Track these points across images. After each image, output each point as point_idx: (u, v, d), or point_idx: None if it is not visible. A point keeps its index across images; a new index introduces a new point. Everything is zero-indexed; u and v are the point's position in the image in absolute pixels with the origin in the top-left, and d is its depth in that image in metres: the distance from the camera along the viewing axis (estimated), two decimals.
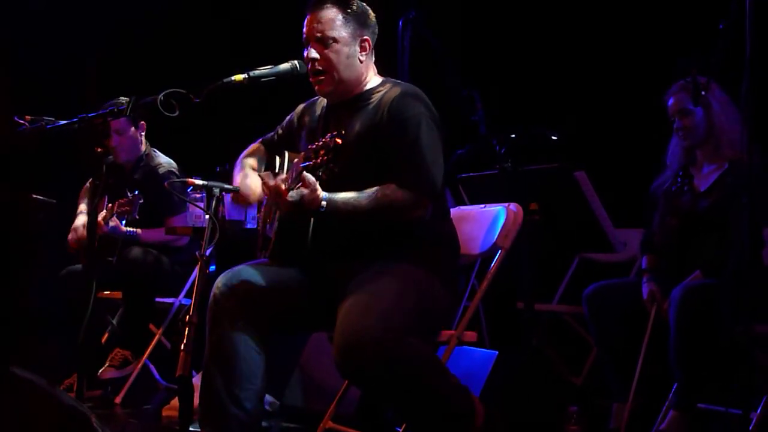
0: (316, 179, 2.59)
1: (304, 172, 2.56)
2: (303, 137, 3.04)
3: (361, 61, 2.89)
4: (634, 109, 4.69)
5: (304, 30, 2.90)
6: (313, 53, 2.86)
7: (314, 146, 2.54)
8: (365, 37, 2.89)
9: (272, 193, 2.64)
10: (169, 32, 6.19)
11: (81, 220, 4.66)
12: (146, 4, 5.99)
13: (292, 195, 2.59)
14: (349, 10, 2.87)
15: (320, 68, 2.86)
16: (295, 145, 3.07)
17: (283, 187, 2.60)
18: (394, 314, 2.61)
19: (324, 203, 2.63)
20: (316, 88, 2.91)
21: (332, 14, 2.85)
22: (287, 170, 2.70)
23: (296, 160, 2.65)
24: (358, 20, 2.88)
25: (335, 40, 2.84)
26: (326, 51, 2.85)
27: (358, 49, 2.88)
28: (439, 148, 2.83)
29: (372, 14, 2.95)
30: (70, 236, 4.60)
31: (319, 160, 2.50)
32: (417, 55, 3.82)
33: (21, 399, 1.30)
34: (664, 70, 3.65)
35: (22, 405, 1.30)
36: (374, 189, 2.71)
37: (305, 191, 2.58)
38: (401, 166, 2.75)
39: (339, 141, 2.48)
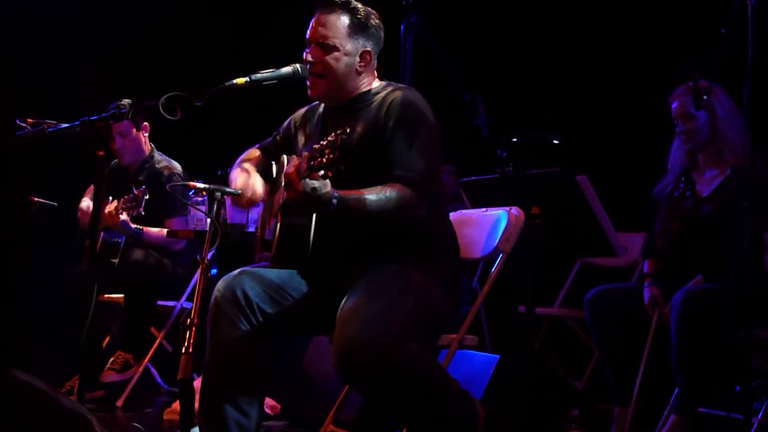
0: (323, 178, 2.58)
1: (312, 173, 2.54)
2: (301, 142, 3.04)
3: (359, 72, 2.89)
4: (636, 113, 4.69)
5: (309, 30, 2.89)
6: (312, 56, 2.86)
7: (319, 145, 2.51)
8: (368, 49, 2.88)
9: (285, 179, 2.62)
10: (171, 35, 6.20)
11: (86, 203, 4.68)
12: (147, 8, 6.00)
13: (305, 184, 2.55)
14: (355, 19, 2.85)
15: (317, 72, 2.86)
16: (293, 150, 3.06)
17: (296, 175, 2.55)
18: (392, 318, 2.60)
19: (335, 201, 2.60)
20: (309, 91, 2.90)
21: (339, 22, 2.84)
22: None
23: (304, 154, 2.60)
24: (363, 31, 2.87)
25: (336, 48, 2.84)
26: (326, 57, 2.84)
27: (358, 59, 2.87)
28: (437, 149, 2.83)
29: (377, 21, 2.93)
30: (80, 216, 4.63)
31: (325, 159, 2.47)
32: (419, 59, 3.81)
33: (21, 402, 1.30)
34: (665, 74, 3.66)
35: (23, 408, 1.30)
36: (380, 187, 2.69)
37: (317, 183, 2.54)
38: (401, 165, 2.74)
39: (344, 137, 2.46)
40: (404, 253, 2.80)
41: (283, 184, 2.67)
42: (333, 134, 2.47)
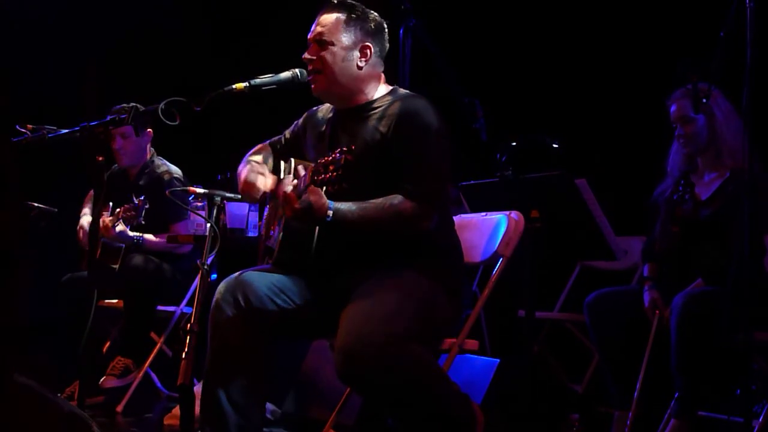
0: (325, 194, 2.61)
1: (312, 186, 2.57)
2: (309, 143, 3.05)
3: (360, 67, 2.90)
4: (635, 116, 4.70)
5: (309, 33, 2.94)
6: (309, 54, 2.90)
7: (324, 161, 2.54)
8: (366, 43, 2.90)
9: (282, 199, 2.66)
10: (170, 40, 6.20)
11: (86, 219, 4.67)
12: (147, 13, 6.01)
13: (301, 202, 2.60)
14: (352, 15, 2.89)
15: (315, 68, 2.89)
16: (301, 150, 3.07)
17: (293, 194, 2.61)
18: (397, 320, 2.61)
19: (330, 212, 2.64)
20: (312, 87, 2.93)
21: (333, 18, 2.89)
22: (295, 178, 2.70)
23: (306, 169, 2.64)
24: (360, 26, 2.90)
25: (332, 43, 2.87)
26: (322, 52, 2.88)
27: (357, 54, 2.89)
28: (446, 159, 2.83)
29: (378, 23, 2.95)
30: (80, 235, 4.63)
31: (327, 176, 2.51)
32: (417, 63, 3.82)
33: (21, 407, 1.30)
34: (664, 77, 3.66)
35: (22, 413, 1.30)
36: (381, 199, 2.72)
37: (312, 198, 2.59)
38: (408, 177, 2.75)
39: (349, 158, 2.48)
40: (409, 259, 2.81)
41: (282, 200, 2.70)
42: (339, 151, 2.49)
